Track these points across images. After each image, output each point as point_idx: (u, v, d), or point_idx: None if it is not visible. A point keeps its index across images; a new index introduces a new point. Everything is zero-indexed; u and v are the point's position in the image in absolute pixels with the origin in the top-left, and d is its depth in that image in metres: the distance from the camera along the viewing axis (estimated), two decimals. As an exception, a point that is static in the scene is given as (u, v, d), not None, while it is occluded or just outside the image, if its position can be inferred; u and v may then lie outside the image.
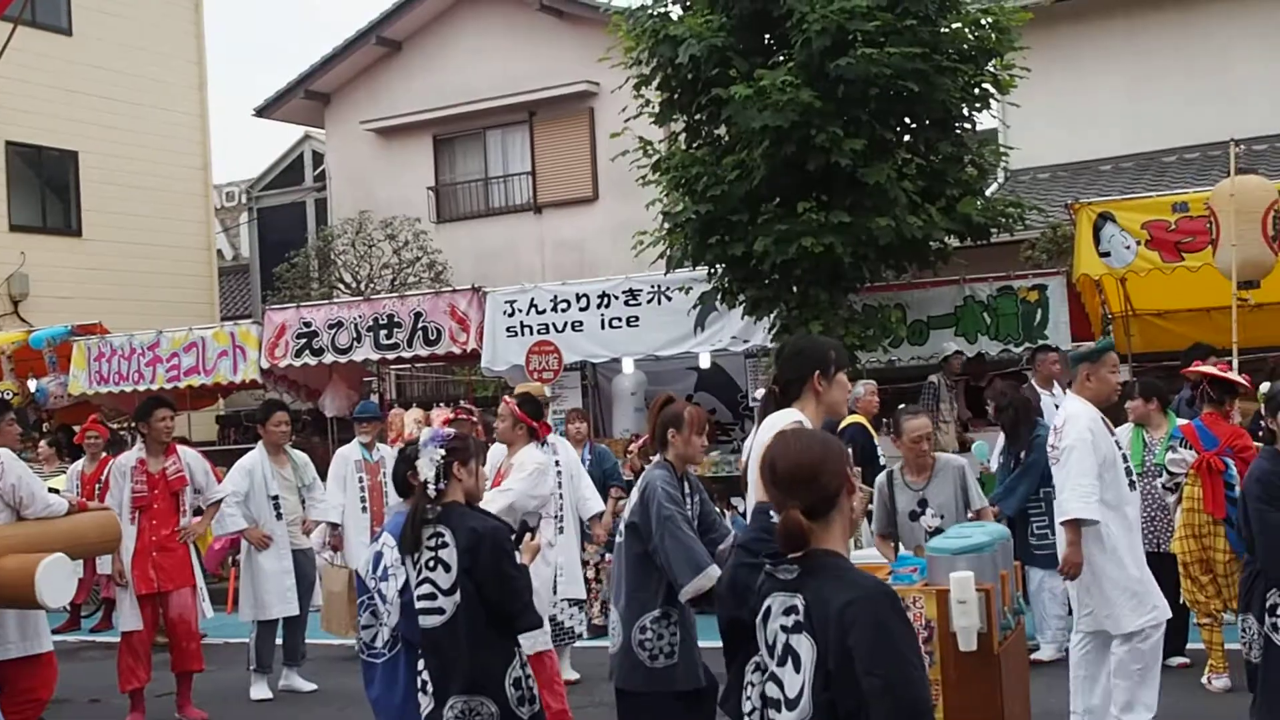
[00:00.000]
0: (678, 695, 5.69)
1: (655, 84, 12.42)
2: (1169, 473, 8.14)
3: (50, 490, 7.65)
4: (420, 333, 14.99)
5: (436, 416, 13.32)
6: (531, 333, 14.43)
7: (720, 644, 3.73)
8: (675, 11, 12.52)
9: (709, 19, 11.86)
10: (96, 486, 10.77)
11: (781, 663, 3.13)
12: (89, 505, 8.21)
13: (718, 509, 7.45)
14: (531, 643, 6.06)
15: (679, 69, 11.95)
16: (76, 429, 14.24)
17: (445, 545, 5.08)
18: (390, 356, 15.48)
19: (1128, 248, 11.64)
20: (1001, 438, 9.93)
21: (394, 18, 21.92)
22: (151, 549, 8.74)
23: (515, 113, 21.27)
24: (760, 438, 4.58)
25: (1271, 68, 16.52)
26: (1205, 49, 16.90)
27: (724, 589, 4.27)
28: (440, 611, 5.06)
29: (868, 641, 2.99)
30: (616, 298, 14.28)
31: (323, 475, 10.58)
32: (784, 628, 3.12)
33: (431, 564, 5.09)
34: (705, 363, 15.01)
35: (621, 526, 6.00)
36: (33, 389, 17.25)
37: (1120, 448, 6.46)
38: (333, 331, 15.38)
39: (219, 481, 9.39)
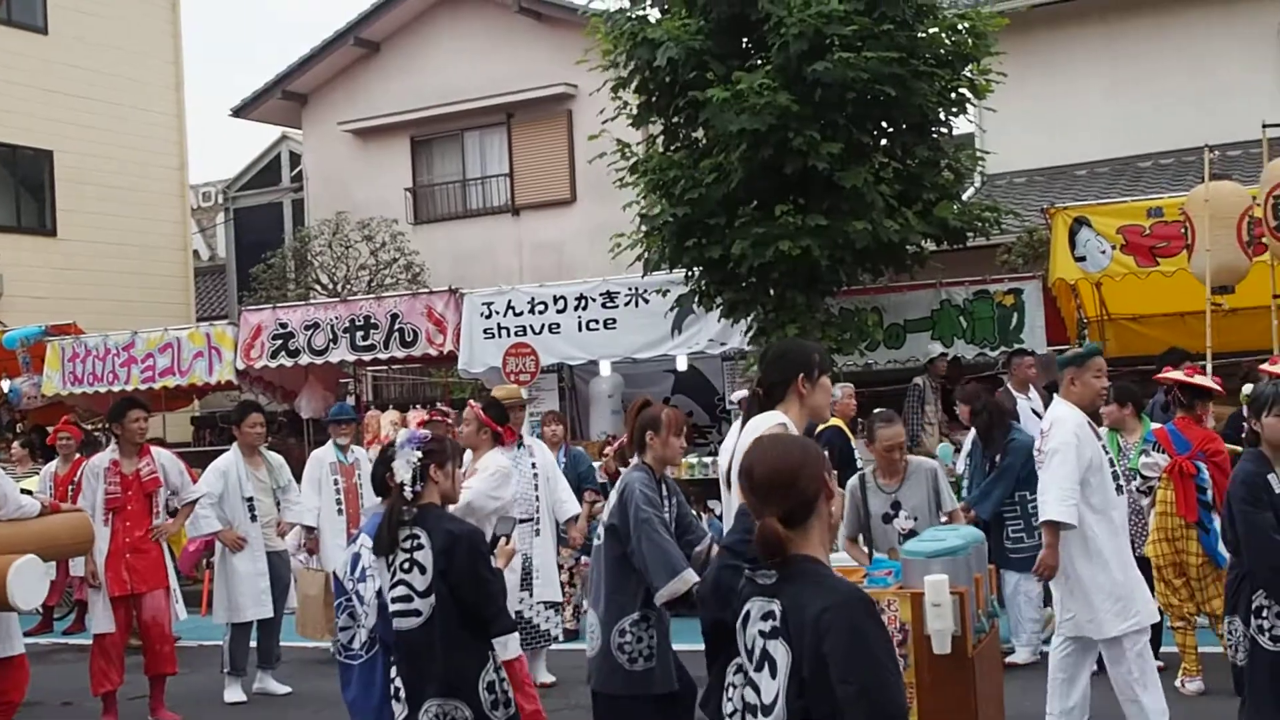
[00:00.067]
0: (655, 698, 5.70)
1: (633, 87, 12.42)
2: (1142, 477, 8.19)
3: (23, 492, 7.61)
4: (397, 334, 14.96)
5: (413, 418, 13.32)
6: (509, 335, 14.41)
7: (697, 647, 3.72)
8: (653, 15, 12.53)
9: (686, 22, 11.87)
10: (70, 488, 10.73)
11: (759, 668, 3.12)
12: (61, 507, 8.17)
13: (695, 511, 7.47)
14: (504, 647, 6.06)
15: (657, 72, 11.97)
16: (50, 430, 14.16)
17: (421, 547, 5.07)
18: (366, 358, 15.44)
19: (1103, 252, 11.71)
20: (968, 440, 9.97)
21: (372, 19, 21.88)
22: (125, 551, 8.69)
23: (493, 114, 21.25)
24: (743, 440, 4.58)
25: (1246, 74, 16.64)
26: (1181, 55, 17.02)
27: (707, 591, 4.26)
28: (416, 614, 5.04)
29: (843, 648, 2.97)
30: (594, 300, 14.28)
31: (298, 477, 10.54)
32: (762, 633, 3.11)
33: (407, 566, 5.07)
34: (682, 365, 15.03)
35: (600, 529, 6.00)
36: (6, 389, 17.14)
37: (1106, 451, 6.47)
38: (309, 333, 15.33)
39: (194, 482, 9.34)
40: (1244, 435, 5.77)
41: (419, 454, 5.18)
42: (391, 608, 5.10)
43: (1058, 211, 11.99)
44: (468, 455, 7.85)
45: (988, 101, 12.56)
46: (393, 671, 5.20)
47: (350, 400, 16.02)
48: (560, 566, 9.61)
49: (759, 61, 11.72)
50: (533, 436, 10.06)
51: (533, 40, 20.78)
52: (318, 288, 20.25)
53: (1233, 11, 16.98)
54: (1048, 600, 9.08)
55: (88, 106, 22.00)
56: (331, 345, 15.23)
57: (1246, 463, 5.57)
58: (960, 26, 12.11)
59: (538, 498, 9.06)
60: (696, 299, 12.76)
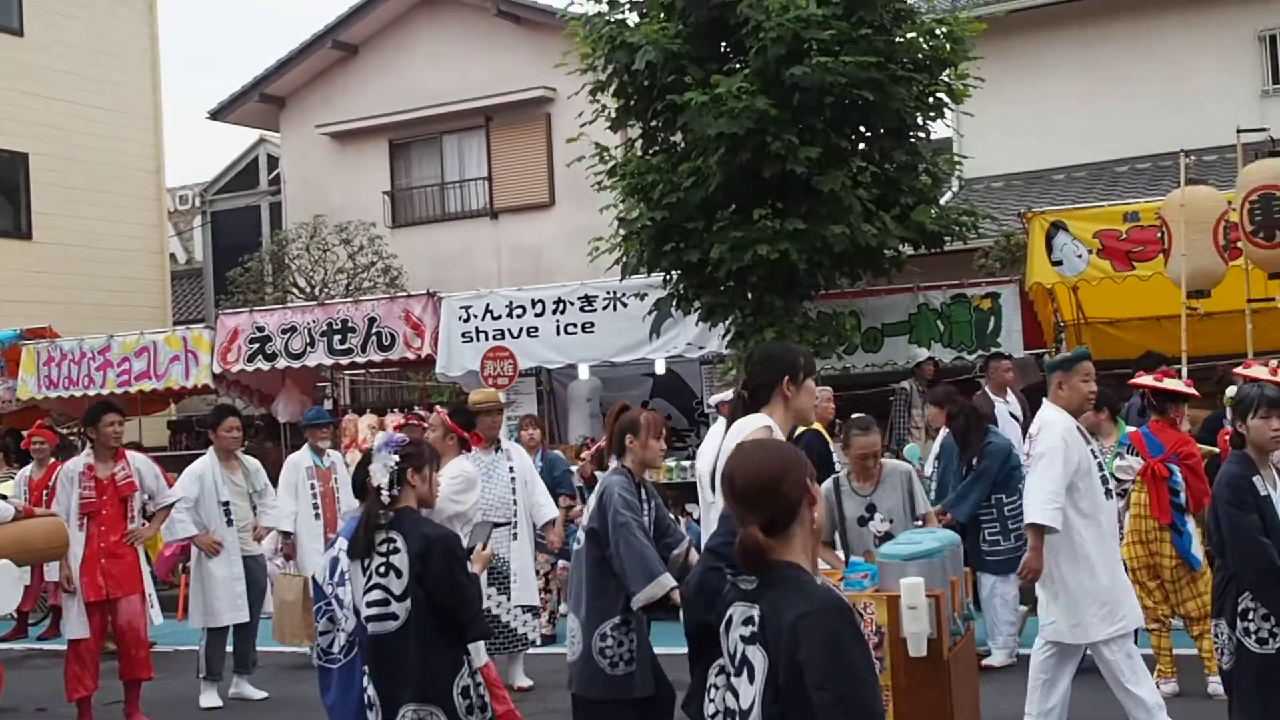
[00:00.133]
0: (635, 702, 5.70)
1: (611, 90, 12.43)
2: (1116, 480, 8.21)
3: (-3, 496, 7.56)
4: (374, 338, 14.92)
5: (391, 422, 13.28)
6: (487, 338, 14.41)
7: (677, 650, 3.73)
8: (632, 18, 12.53)
9: (665, 26, 11.88)
10: (44, 492, 10.66)
11: (738, 673, 3.11)
12: (36, 511, 8.11)
13: (673, 515, 7.47)
14: (476, 652, 6.06)
15: (635, 75, 11.97)
16: (25, 434, 14.07)
17: (397, 551, 5.05)
18: (344, 362, 15.41)
19: (1080, 256, 11.76)
20: (936, 442, 9.98)
21: (350, 21, 21.83)
22: (100, 555, 8.62)
23: (472, 118, 21.22)
24: (727, 443, 4.59)
25: (1222, 79, 16.74)
26: (1157, 60, 17.11)
27: (692, 593, 4.28)
28: (393, 618, 5.02)
29: (818, 656, 2.95)
30: (572, 304, 14.28)
31: (276, 481, 10.49)
32: (742, 638, 3.10)
33: (383, 570, 5.05)
34: (660, 369, 15.03)
35: (579, 533, 6.00)
36: (-20, 393, 17.04)
37: (1096, 456, 6.47)
38: (286, 336, 15.29)
39: (170, 487, 9.29)
40: (1229, 437, 5.77)
41: (396, 458, 5.16)
42: (367, 612, 5.07)
43: (1034, 216, 12.04)
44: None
45: (965, 106, 12.62)
46: (364, 680, 5.17)
47: (328, 404, 15.98)
48: (536, 571, 9.59)
49: (737, 65, 11.74)
50: (510, 440, 10.04)
51: (511, 44, 20.77)
52: (295, 291, 20.18)
53: (1209, 17, 17.08)
54: (1024, 601, 9.14)
55: (64, 109, 21.87)
56: (309, 349, 15.19)
57: (1232, 465, 5.57)
58: (938, 31, 12.16)
59: (515, 501, 9.05)
60: (674, 303, 12.76)
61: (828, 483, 7.54)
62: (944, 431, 9.93)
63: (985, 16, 13.22)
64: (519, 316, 14.47)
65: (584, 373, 14.98)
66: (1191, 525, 7.90)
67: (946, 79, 12.26)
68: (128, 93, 23.27)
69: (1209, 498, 7.95)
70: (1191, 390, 8.27)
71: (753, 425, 4.58)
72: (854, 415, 7.80)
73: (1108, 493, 6.44)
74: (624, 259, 12.74)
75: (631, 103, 12.49)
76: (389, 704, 5.01)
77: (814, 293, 12.47)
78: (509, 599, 8.84)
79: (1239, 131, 10.74)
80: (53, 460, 11.73)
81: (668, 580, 5.58)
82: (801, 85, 11.05)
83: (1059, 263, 11.83)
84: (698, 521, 10.98)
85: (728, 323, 12.48)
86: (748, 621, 3.10)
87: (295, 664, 10.42)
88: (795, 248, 11.35)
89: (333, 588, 5.54)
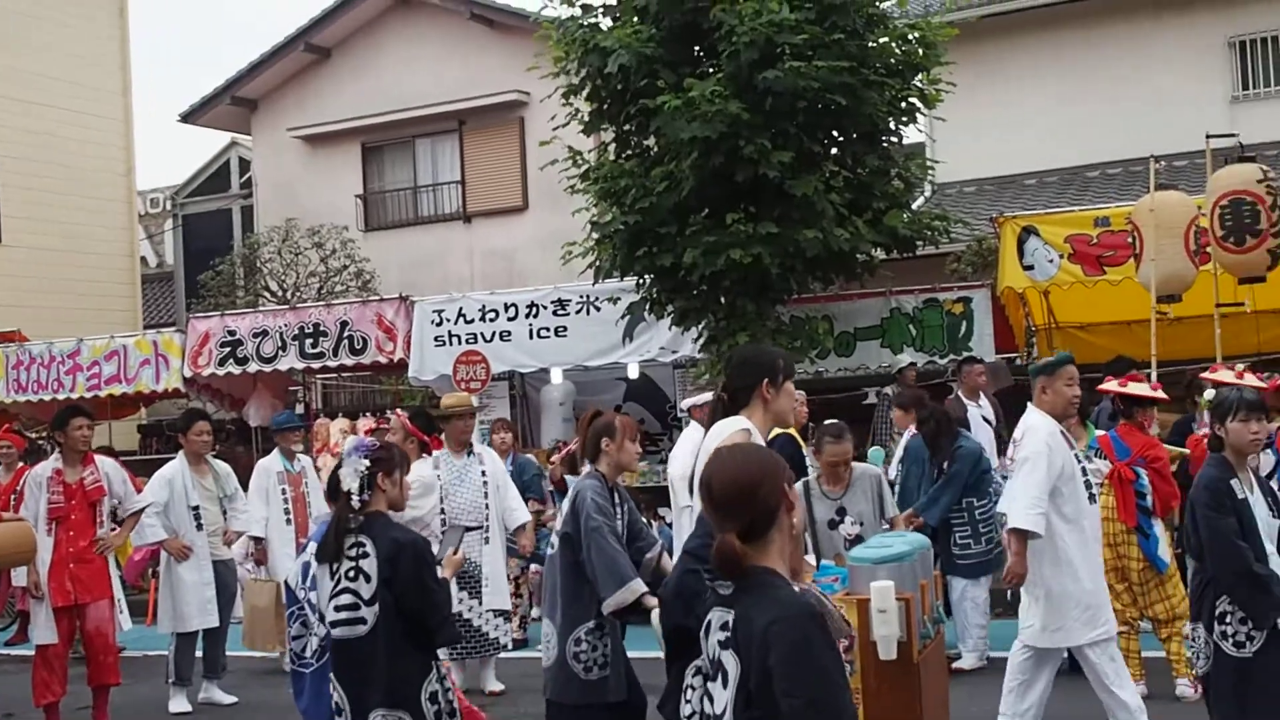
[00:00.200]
0: (609, 707, 5.70)
1: (584, 94, 12.41)
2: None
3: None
4: (346, 342, 14.88)
5: (362, 426, 13.25)
6: (459, 342, 14.37)
7: (649, 655, 3.72)
8: (605, 22, 12.52)
9: (638, 30, 11.88)
10: (12, 497, 10.56)
11: (713, 677, 3.11)
12: (3, 516, 8.05)
13: (645, 519, 7.48)
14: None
15: (608, 79, 11.96)
16: (-7, 438, 13.95)
17: (366, 555, 5.03)
18: (316, 366, 15.36)
19: (1051, 261, 11.83)
20: (900, 445, 10.01)
21: (323, 24, 21.75)
22: (68, 560, 8.57)
23: (445, 121, 21.19)
24: (707, 445, 4.60)
25: (1192, 85, 16.85)
26: (1129, 66, 17.22)
27: (670, 595, 4.28)
28: (362, 622, 5.00)
29: (788, 662, 2.94)
30: (545, 308, 14.26)
31: (247, 485, 10.44)
32: (719, 643, 3.10)
33: (352, 574, 5.03)
34: (634, 373, 15.02)
35: (553, 538, 6.00)
36: (-51, 397, 16.90)
37: (1079, 461, 6.47)
38: (257, 340, 15.24)
39: (138, 491, 9.23)
40: (1208, 440, 5.78)
41: (367, 462, 5.15)
42: (336, 616, 5.04)
43: (1006, 221, 12.10)
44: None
45: (937, 111, 12.65)
46: (331, 687, 5.15)
47: (300, 408, 15.91)
48: (507, 576, 9.57)
49: (710, 69, 11.74)
50: (483, 444, 10.02)
51: (485, 47, 20.74)
52: (267, 295, 20.09)
53: (1180, 23, 17.20)
54: (995, 605, 9.17)
55: (34, 111, 21.72)
56: (280, 353, 15.14)
57: (1210, 468, 5.57)
58: (910, 36, 12.18)
59: (487, 506, 9.04)
60: (648, 307, 12.76)
61: (797, 486, 7.56)
62: (908, 434, 9.96)
63: (957, 22, 13.28)
64: (492, 320, 14.45)
65: (557, 377, 14.96)
66: (1159, 528, 7.94)
67: (919, 84, 12.29)
68: (98, 95, 23.13)
69: (1177, 500, 8.04)
70: (1158, 394, 8.31)
71: (732, 428, 4.59)
72: (827, 421, 7.82)
73: (1091, 497, 6.44)
74: (597, 263, 12.72)
75: (604, 106, 12.48)
76: (357, 709, 4.99)
77: (787, 297, 12.49)
78: (480, 603, 8.82)
79: (1208, 137, 10.81)
80: (21, 464, 11.63)
81: (638, 586, 5.58)
82: (774, 89, 11.06)
83: (1030, 267, 11.89)
84: (670, 525, 11.00)
85: (701, 327, 12.49)
86: (724, 626, 3.10)
87: (265, 669, 10.38)
88: (768, 252, 11.36)
89: (305, 592, 5.52)
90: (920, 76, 12.26)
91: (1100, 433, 8.54)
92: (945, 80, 12.23)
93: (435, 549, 5.55)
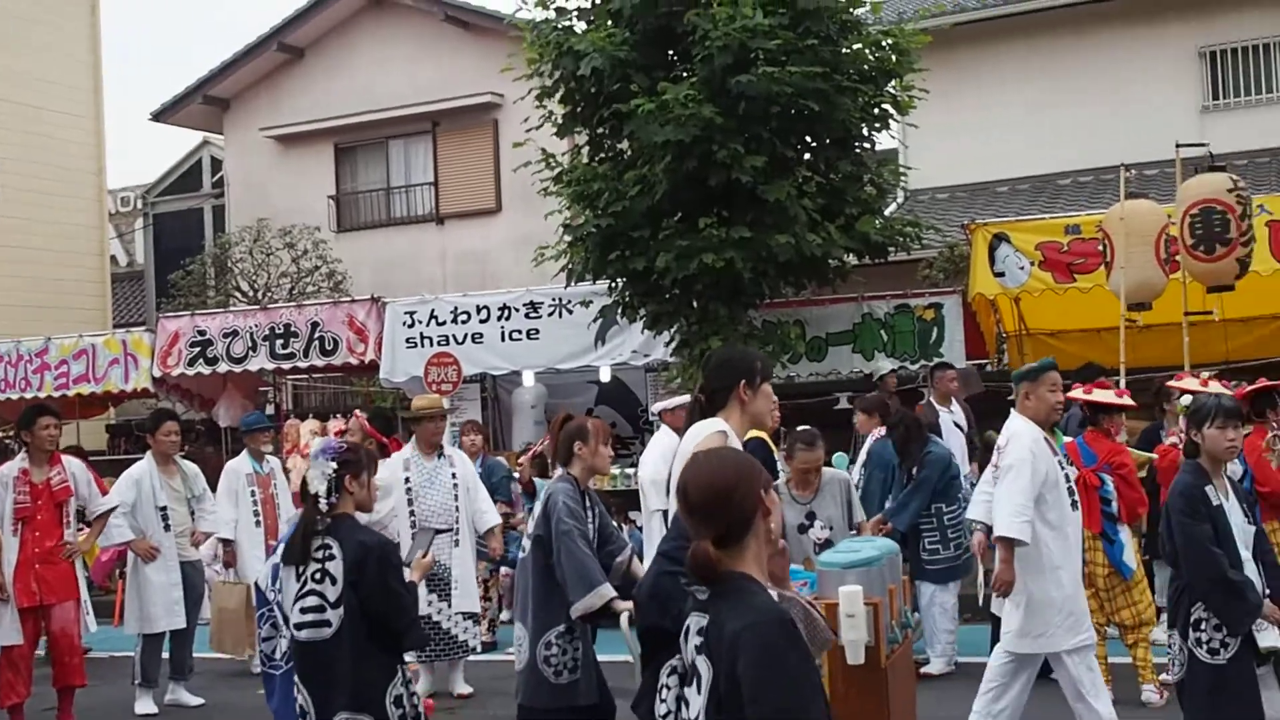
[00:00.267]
0: (579, 710, 5.70)
1: (558, 97, 12.40)
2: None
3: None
4: (317, 343, 14.83)
5: (333, 428, 13.19)
6: (431, 344, 14.34)
7: (619, 658, 3.72)
8: (579, 25, 12.52)
9: (612, 33, 11.88)
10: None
11: (688, 682, 3.10)
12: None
13: (616, 522, 7.48)
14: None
15: (581, 82, 11.95)
16: (-41, 437, 13.87)
17: (333, 558, 5.00)
18: (286, 366, 15.29)
19: (1022, 268, 11.89)
20: (864, 450, 10.04)
21: (296, 24, 21.69)
22: (34, 561, 8.49)
23: (418, 122, 21.15)
24: (684, 447, 4.60)
25: (1163, 95, 16.98)
26: (1101, 74, 17.32)
27: (645, 597, 4.27)
28: (327, 624, 4.97)
29: (756, 668, 2.93)
30: (517, 310, 14.25)
31: (216, 487, 10.38)
32: (695, 647, 3.10)
33: (318, 576, 5.00)
34: (605, 376, 15.03)
35: (525, 541, 5.99)
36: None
37: (1062, 467, 6.48)
38: (228, 340, 15.17)
39: (103, 493, 9.16)
40: (1184, 446, 5.79)
41: (334, 465, 5.12)
42: (301, 619, 5.01)
43: (978, 227, 12.15)
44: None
45: (910, 118, 12.69)
46: (294, 690, 5.12)
47: (270, 409, 15.85)
48: (476, 578, 9.56)
49: (684, 74, 11.76)
50: (453, 447, 10.00)
51: (459, 49, 20.71)
52: (238, 295, 20.01)
53: (1151, 33, 17.32)
54: (964, 610, 9.20)
55: (3, 108, 21.56)
56: (251, 353, 15.07)
57: (1185, 475, 5.57)
58: (884, 43, 12.22)
59: (457, 508, 9.02)
60: (620, 310, 12.76)
61: (769, 490, 7.58)
62: (871, 439, 9.97)
63: (931, 29, 13.32)
64: (464, 322, 14.42)
65: (529, 379, 14.95)
66: (1125, 534, 7.98)
67: (892, 90, 12.33)
68: (69, 93, 22.96)
69: (1144, 507, 8.08)
70: (1124, 401, 8.35)
71: (708, 430, 4.59)
72: (800, 427, 7.83)
73: (1074, 504, 6.44)
74: (570, 266, 12.72)
75: (578, 109, 12.47)
76: (322, 712, 4.95)
77: (759, 301, 12.51)
78: (450, 606, 8.80)
79: (1178, 146, 10.87)
80: (-13, 464, 11.55)
81: (607, 590, 5.58)
82: (748, 94, 11.08)
83: (1001, 274, 11.95)
84: (640, 529, 10.98)
85: (673, 331, 12.50)
86: (700, 631, 3.09)
87: (232, 671, 10.32)
88: (740, 256, 11.38)
89: (275, 594, 5.50)
90: (893, 83, 12.30)
91: (1068, 439, 8.58)
92: (918, 87, 12.27)
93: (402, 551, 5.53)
